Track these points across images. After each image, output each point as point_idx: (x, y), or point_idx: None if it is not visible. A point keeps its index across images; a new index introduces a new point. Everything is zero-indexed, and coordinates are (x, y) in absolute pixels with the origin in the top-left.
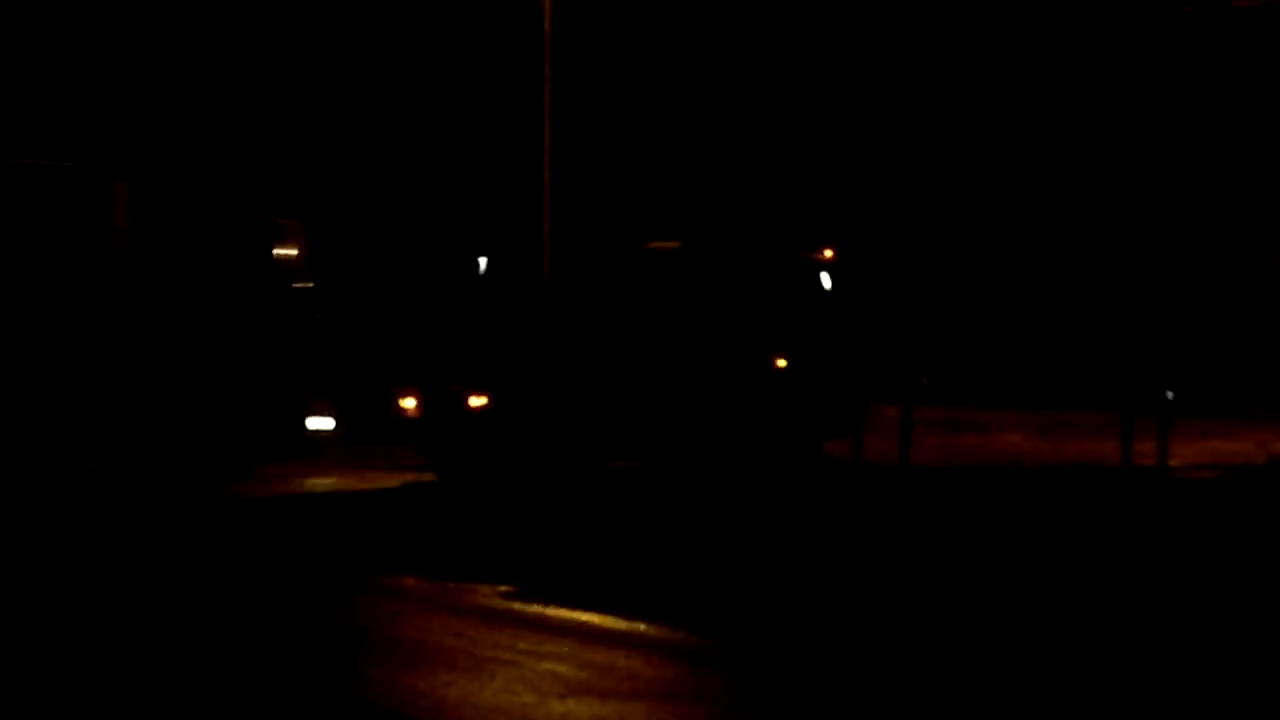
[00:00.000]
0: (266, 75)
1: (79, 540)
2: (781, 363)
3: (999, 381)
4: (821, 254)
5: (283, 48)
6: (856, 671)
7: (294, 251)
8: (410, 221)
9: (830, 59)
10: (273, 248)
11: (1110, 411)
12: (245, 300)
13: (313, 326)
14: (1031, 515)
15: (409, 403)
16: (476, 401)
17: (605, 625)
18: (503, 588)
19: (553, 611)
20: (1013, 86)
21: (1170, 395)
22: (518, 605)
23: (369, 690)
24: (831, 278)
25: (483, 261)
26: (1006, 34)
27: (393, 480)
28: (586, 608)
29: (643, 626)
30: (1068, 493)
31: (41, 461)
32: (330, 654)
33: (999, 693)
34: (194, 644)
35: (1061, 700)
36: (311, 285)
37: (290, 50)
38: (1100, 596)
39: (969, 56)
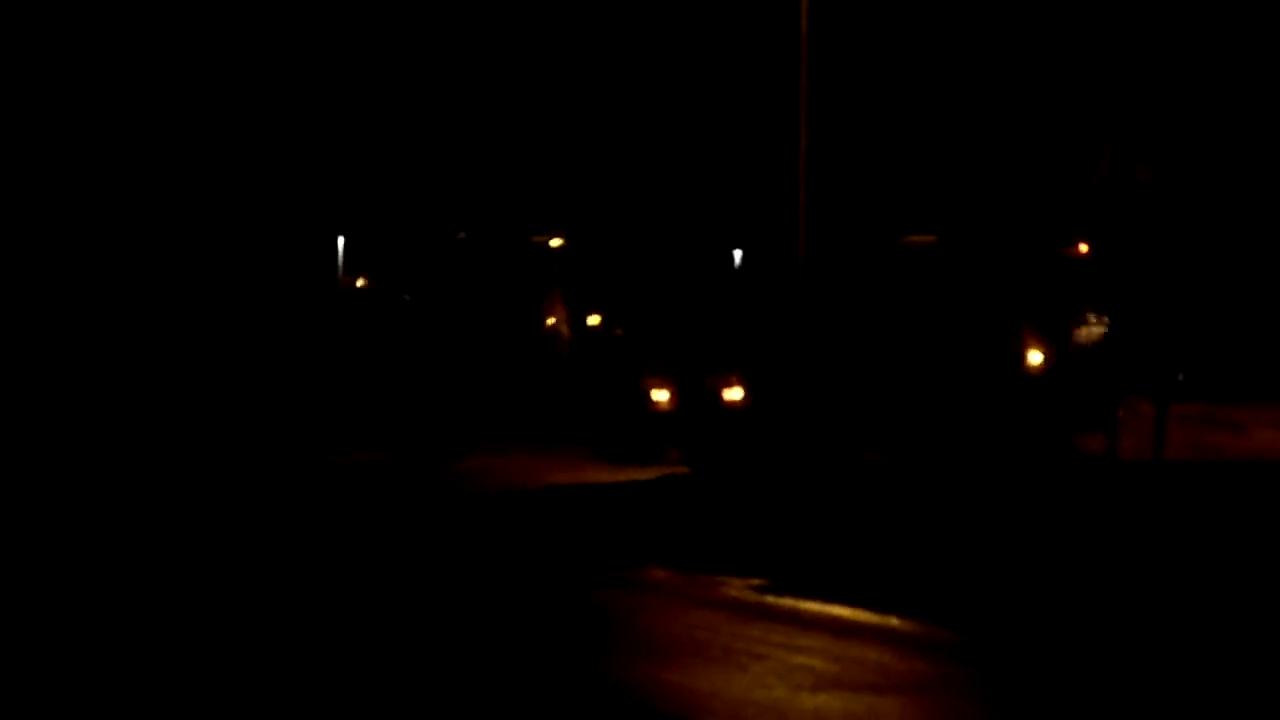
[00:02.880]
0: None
1: (348, 532)
2: (1036, 358)
3: (1255, 377)
4: (1077, 248)
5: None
6: (1106, 667)
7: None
8: (665, 217)
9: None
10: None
11: None
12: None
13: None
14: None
15: (663, 396)
16: (731, 395)
17: (857, 619)
18: (755, 581)
19: (804, 605)
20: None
21: None
22: (769, 598)
23: (621, 681)
24: (1085, 272)
25: (738, 255)
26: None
27: (648, 473)
28: (838, 601)
29: (894, 621)
30: None
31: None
32: (583, 645)
33: (1247, 690)
34: (448, 632)
35: None
36: None
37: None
38: None
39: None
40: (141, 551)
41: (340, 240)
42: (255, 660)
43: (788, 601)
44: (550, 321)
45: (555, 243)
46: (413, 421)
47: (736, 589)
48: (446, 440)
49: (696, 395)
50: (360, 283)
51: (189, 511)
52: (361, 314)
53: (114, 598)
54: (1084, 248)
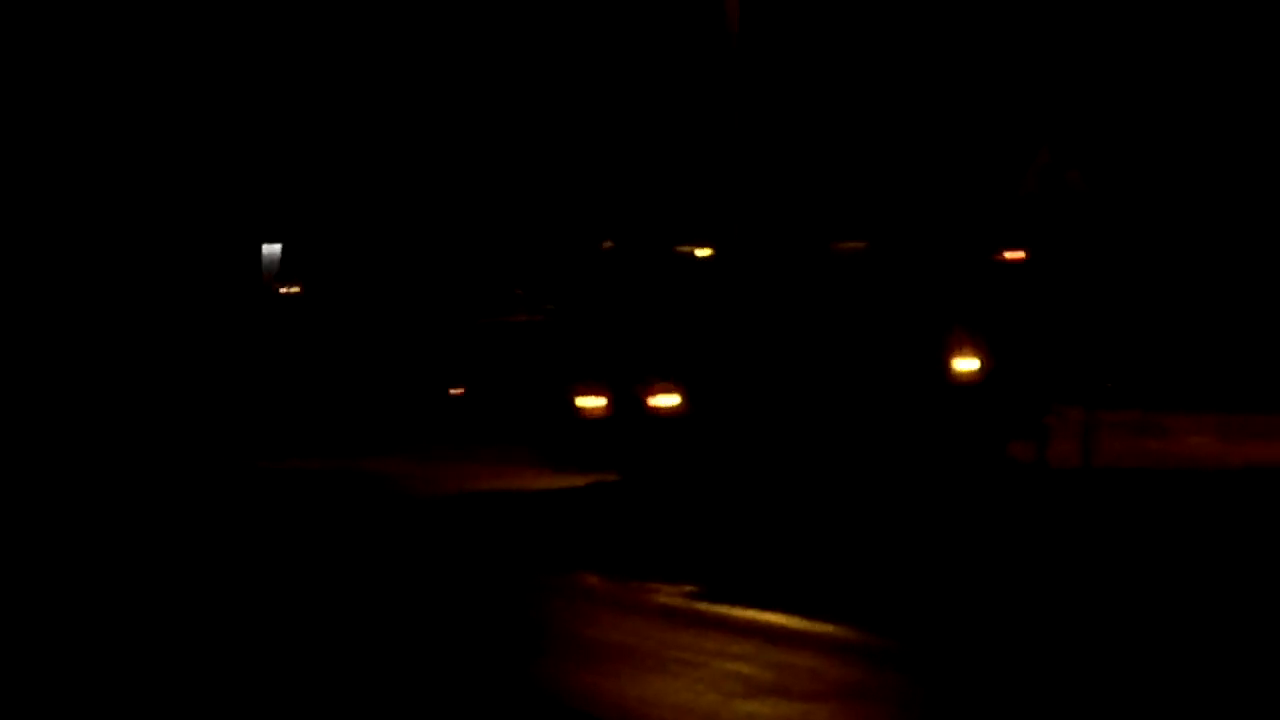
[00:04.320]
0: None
1: (276, 538)
2: (967, 365)
3: (1183, 384)
4: (1012, 255)
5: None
6: (1036, 673)
7: None
8: (593, 221)
9: (1021, 52)
10: None
11: None
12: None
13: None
14: (1211, 520)
15: (594, 403)
16: (664, 402)
17: (789, 626)
18: (687, 588)
19: (736, 612)
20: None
21: None
22: (702, 605)
23: (554, 688)
24: (1021, 280)
25: (669, 261)
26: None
27: (579, 480)
28: (770, 608)
29: (827, 627)
30: (1249, 498)
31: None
32: (516, 651)
33: (1176, 695)
34: (379, 639)
35: (1239, 702)
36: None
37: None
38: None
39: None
40: (71, 557)
41: (276, 247)
42: (172, 669)
43: (720, 608)
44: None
45: None
46: (341, 426)
47: (668, 596)
48: (373, 443)
49: (629, 402)
50: (294, 289)
51: (114, 520)
52: (295, 320)
53: (36, 605)
54: (1020, 254)
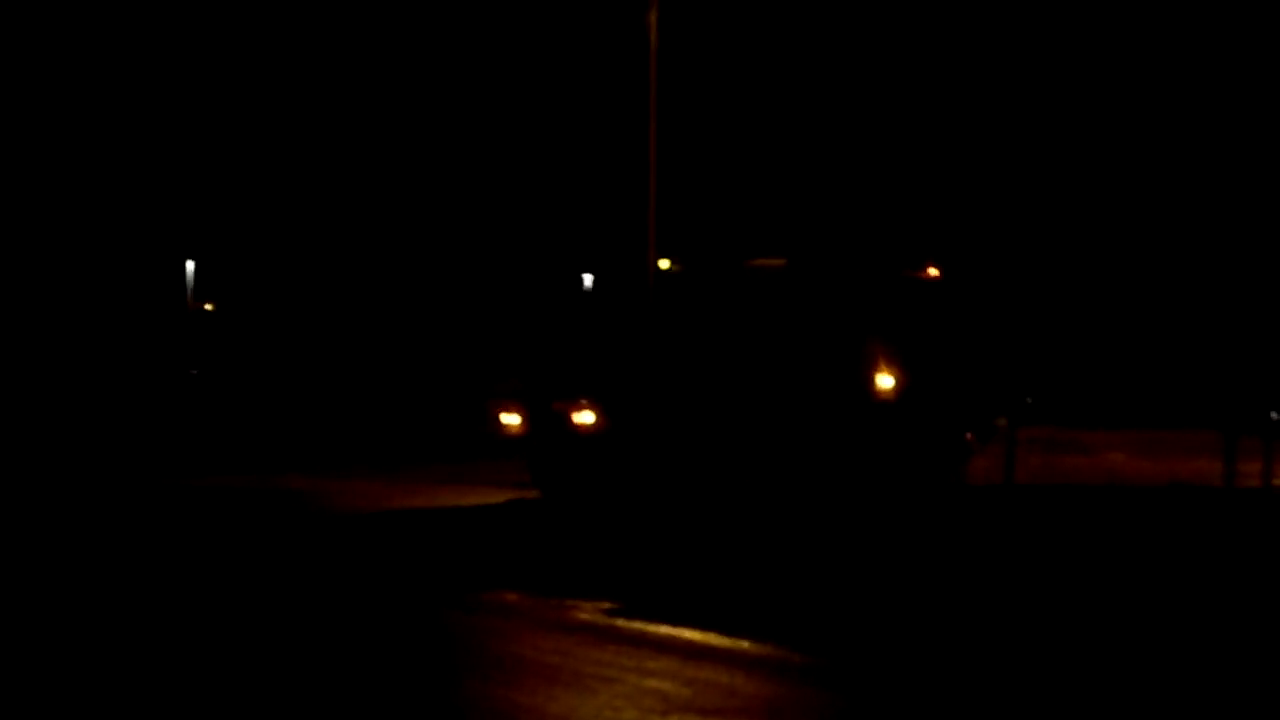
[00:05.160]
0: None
1: (194, 555)
2: (885, 382)
3: (1102, 401)
4: (926, 272)
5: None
6: (959, 691)
7: None
8: (512, 237)
9: (935, 71)
10: None
11: (1213, 431)
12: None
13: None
14: (1131, 534)
15: (513, 419)
16: (582, 420)
17: (707, 642)
18: (605, 605)
19: (655, 628)
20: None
21: (1276, 415)
22: (620, 622)
23: (471, 704)
24: (937, 296)
25: (587, 278)
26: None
27: (497, 496)
28: (689, 625)
29: (745, 644)
30: (1169, 512)
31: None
32: (433, 669)
33: (1106, 713)
34: (295, 657)
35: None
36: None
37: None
38: (1202, 616)
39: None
40: None
41: (190, 264)
42: (97, 687)
43: (638, 625)
44: None
45: None
46: (264, 442)
47: (587, 612)
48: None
49: (547, 418)
50: (208, 306)
51: (31, 533)
52: (219, 337)
53: None
54: (934, 271)
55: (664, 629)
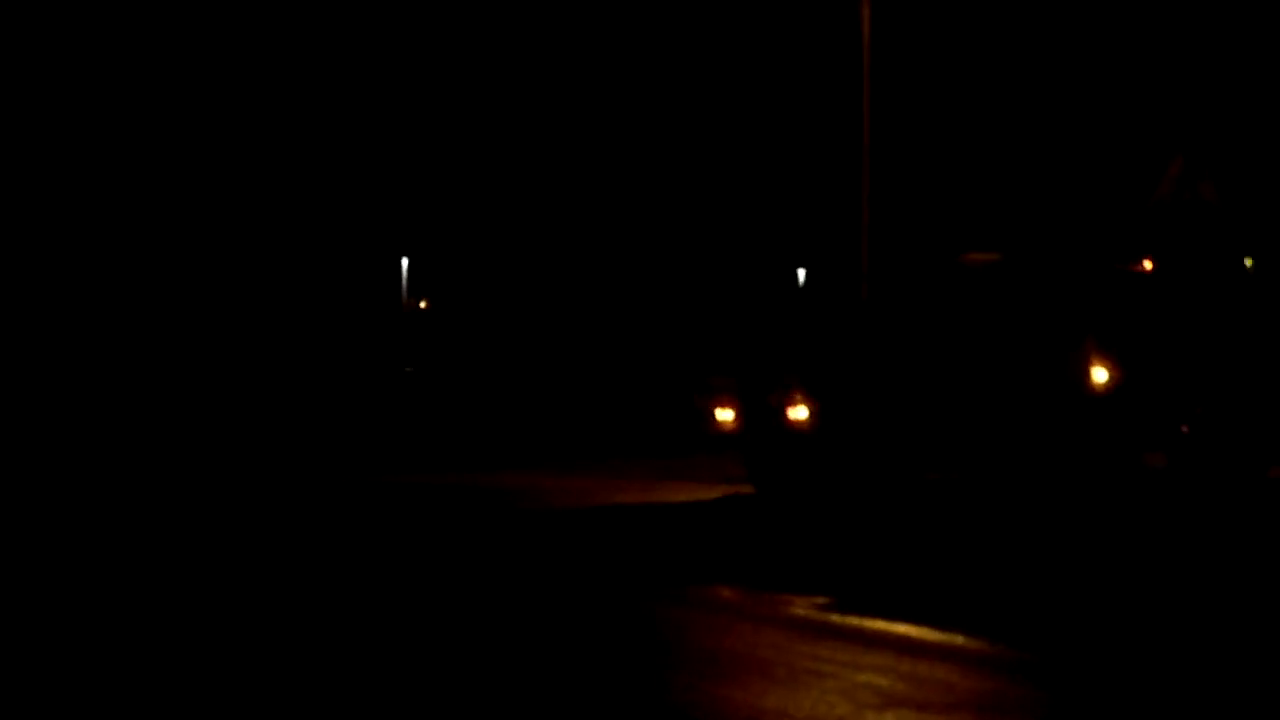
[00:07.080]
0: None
1: (405, 552)
2: (1100, 376)
3: None
4: (1140, 266)
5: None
6: (1174, 687)
7: None
8: (725, 232)
9: (1148, 59)
10: None
11: None
12: None
13: None
14: None
15: (726, 415)
16: (796, 414)
17: (922, 637)
18: (819, 599)
19: (869, 623)
20: None
21: None
22: (834, 617)
23: (684, 699)
24: (1149, 290)
25: (801, 273)
26: None
27: (712, 492)
28: (903, 620)
29: (960, 639)
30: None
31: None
32: (645, 664)
33: None
34: (505, 648)
35: None
36: None
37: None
38: None
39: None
40: (200, 570)
41: (404, 262)
42: (309, 682)
43: (852, 620)
44: None
45: None
46: (475, 440)
47: (801, 607)
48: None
49: (760, 414)
50: (423, 304)
51: (244, 529)
52: (433, 335)
53: (171, 614)
54: (1148, 265)
55: (878, 624)
